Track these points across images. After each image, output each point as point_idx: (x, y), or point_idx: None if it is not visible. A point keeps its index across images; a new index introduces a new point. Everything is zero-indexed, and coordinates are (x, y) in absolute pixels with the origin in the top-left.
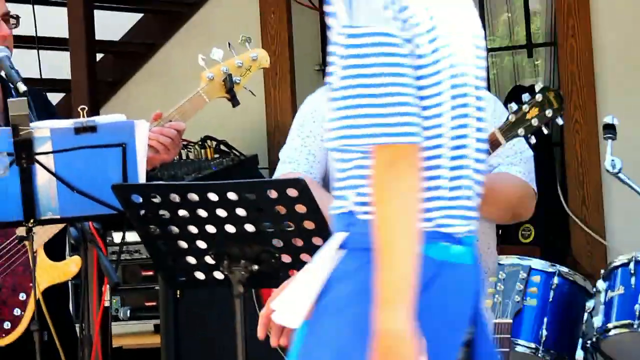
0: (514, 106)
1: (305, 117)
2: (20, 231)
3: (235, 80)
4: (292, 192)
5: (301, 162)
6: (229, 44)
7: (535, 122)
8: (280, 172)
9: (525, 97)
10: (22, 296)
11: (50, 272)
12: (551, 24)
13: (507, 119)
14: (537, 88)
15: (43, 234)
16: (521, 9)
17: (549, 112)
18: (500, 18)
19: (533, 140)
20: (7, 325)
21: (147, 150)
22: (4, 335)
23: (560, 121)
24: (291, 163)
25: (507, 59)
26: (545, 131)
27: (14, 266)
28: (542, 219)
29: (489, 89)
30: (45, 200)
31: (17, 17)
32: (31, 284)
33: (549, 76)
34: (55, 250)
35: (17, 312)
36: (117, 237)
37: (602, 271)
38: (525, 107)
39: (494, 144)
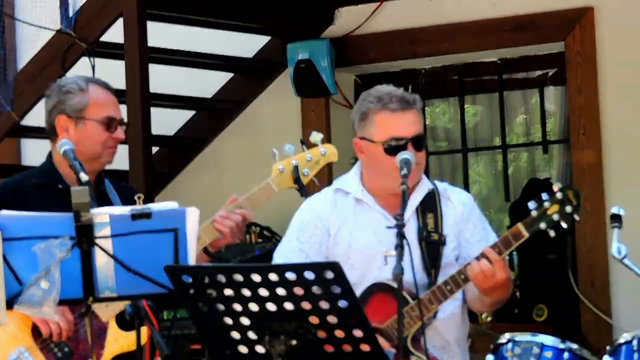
0: (534, 203)
1: (307, 222)
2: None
3: (304, 172)
4: (328, 274)
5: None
6: (301, 140)
7: (555, 217)
8: None
9: (545, 195)
10: None
11: (120, 341)
12: (565, 123)
13: (530, 214)
14: (557, 187)
15: (116, 306)
16: (537, 110)
17: (568, 209)
18: (518, 117)
19: (552, 233)
20: None
21: (215, 233)
22: None
23: (577, 217)
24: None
25: (524, 155)
26: (565, 225)
27: (85, 335)
28: (555, 299)
29: (507, 182)
30: (104, 280)
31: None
32: (101, 351)
33: (562, 170)
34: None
35: None
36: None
37: (608, 347)
38: (546, 204)
39: (517, 236)
